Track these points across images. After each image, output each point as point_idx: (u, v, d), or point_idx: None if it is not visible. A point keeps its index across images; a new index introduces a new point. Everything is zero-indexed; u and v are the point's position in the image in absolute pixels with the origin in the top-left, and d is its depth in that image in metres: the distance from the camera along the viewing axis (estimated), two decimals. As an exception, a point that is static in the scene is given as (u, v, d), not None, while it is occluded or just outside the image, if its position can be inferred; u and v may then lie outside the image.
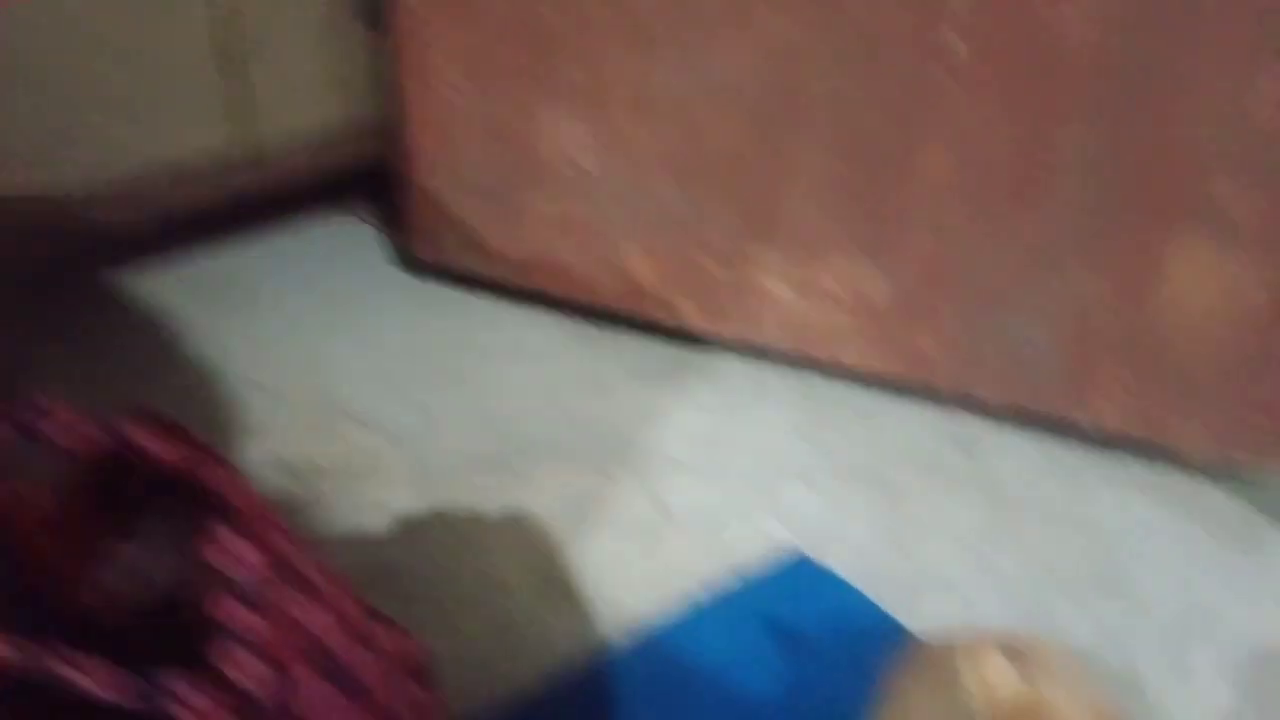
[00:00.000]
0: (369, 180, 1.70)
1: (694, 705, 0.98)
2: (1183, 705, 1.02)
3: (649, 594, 1.10)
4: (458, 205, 1.47)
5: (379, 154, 1.57)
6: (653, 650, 1.04)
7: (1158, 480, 1.34)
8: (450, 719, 0.78)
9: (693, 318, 1.43)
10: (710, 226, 1.35)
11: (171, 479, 0.65)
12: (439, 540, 1.17)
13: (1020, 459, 1.37)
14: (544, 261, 1.47)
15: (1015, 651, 0.71)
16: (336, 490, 1.22)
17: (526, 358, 1.51)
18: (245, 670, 0.56)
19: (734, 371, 1.50)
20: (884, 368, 1.37)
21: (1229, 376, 1.19)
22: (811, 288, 1.34)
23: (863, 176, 1.26)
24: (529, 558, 1.15)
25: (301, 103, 1.53)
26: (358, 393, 1.40)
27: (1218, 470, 1.33)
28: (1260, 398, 1.19)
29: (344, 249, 1.75)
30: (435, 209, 1.48)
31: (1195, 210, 1.12)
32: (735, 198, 1.33)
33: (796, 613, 1.09)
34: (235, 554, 0.62)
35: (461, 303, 1.62)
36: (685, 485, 1.27)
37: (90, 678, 0.52)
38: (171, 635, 0.59)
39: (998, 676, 0.68)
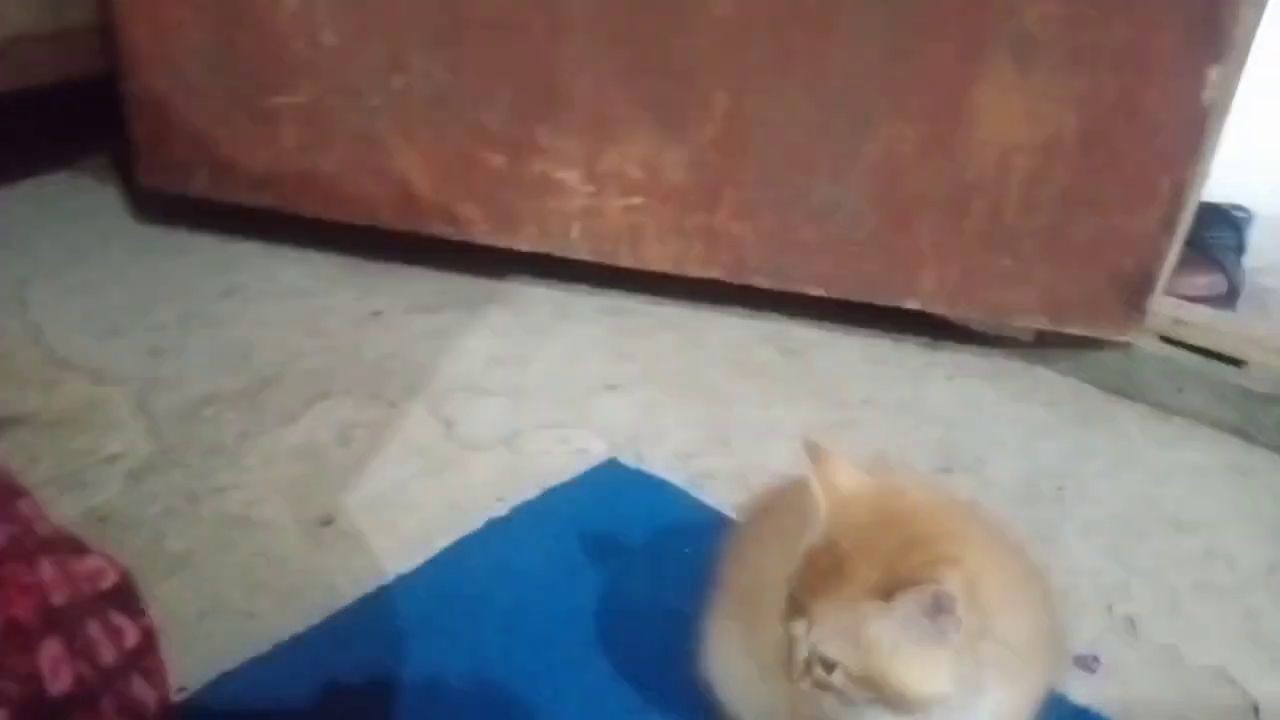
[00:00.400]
0: (95, 127, 1.47)
1: (499, 625, 0.81)
2: (1047, 566, 0.92)
3: (443, 521, 0.94)
4: (189, 109, 1.25)
5: (102, 72, 1.32)
6: (445, 575, 0.87)
7: (986, 365, 1.26)
8: (159, 647, 0.58)
9: (479, 227, 1.25)
10: (486, 110, 1.18)
11: None
12: (175, 485, 0.97)
13: (843, 356, 1.26)
14: (301, 173, 1.26)
15: (865, 465, 0.58)
16: (49, 441, 1.02)
17: (287, 295, 1.31)
18: None
19: (532, 296, 1.34)
20: (689, 261, 1.23)
21: (1046, 224, 1.11)
22: (605, 174, 1.19)
23: (645, 26, 1.12)
24: (292, 494, 0.97)
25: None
26: (76, 343, 1.18)
27: (1046, 348, 1.26)
28: (1078, 245, 1.11)
29: (73, 201, 1.51)
30: (163, 118, 1.26)
31: (996, 31, 1.04)
32: (508, 72, 1.17)
33: (609, 517, 0.94)
34: None
35: (210, 246, 1.41)
36: (482, 409, 1.11)
37: None
38: None
39: (847, 477, 0.54)
